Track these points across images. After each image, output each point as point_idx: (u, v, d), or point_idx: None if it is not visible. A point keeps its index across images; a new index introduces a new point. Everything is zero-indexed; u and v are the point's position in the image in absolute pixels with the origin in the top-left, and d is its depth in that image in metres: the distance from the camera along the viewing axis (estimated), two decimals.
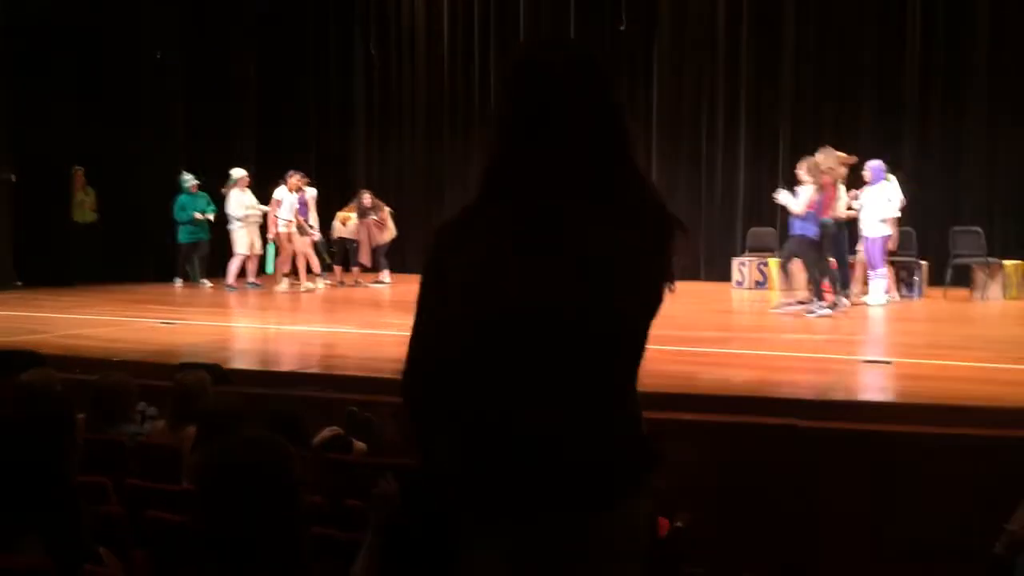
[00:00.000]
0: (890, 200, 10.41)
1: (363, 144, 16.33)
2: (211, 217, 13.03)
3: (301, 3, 15.28)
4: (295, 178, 12.59)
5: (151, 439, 4.62)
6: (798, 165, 10.32)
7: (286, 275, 12.71)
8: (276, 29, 14.91)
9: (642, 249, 1.83)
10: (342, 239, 13.47)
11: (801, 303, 10.07)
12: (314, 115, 15.87)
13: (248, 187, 12.77)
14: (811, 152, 10.76)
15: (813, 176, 9.88)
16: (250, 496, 2.13)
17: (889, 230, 10.48)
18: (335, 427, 4.84)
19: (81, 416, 4.36)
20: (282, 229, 12.52)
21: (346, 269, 13.59)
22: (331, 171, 15.30)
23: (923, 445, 4.79)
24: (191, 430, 4.34)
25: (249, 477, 2.20)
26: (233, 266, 12.63)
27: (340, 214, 13.47)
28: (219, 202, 12.90)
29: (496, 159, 1.85)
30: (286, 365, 7.15)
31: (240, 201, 12.65)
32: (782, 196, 10.22)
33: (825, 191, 9.82)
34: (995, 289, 11.13)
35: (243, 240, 12.67)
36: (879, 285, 10.46)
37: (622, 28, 14.17)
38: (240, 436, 2.35)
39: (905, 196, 10.56)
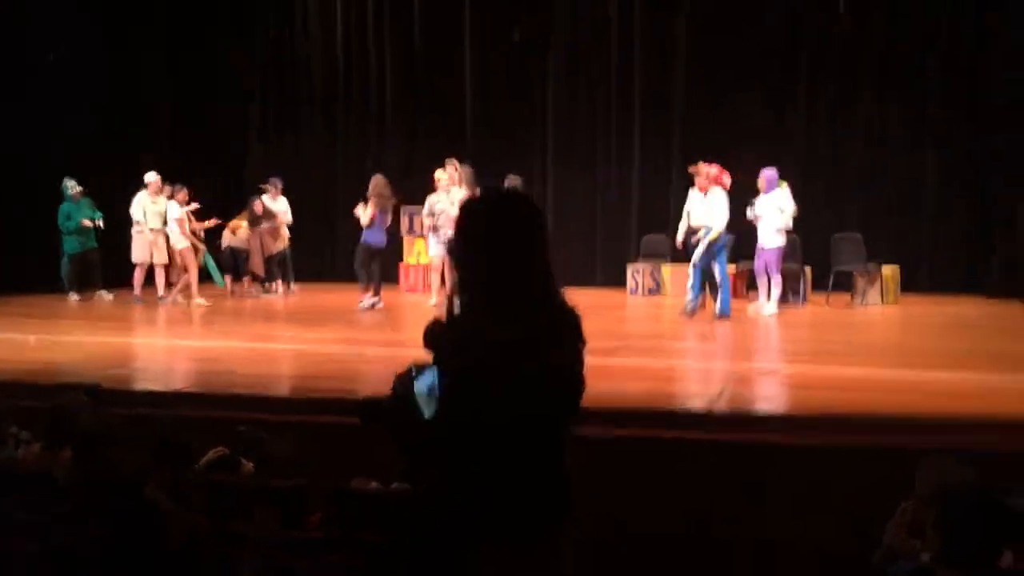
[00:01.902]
0: (783, 210, 10.61)
1: (258, 150, 15.98)
2: (100, 223, 12.54)
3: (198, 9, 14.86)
4: (183, 194, 12.26)
5: (23, 464, 4.41)
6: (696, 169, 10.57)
7: (169, 286, 12.42)
8: (165, 30, 14.45)
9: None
10: (232, 248, 13.15)
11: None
12: (206, 121, 15.44)
13: (159, 194, 12.32)
14: (701, 159, 11.03)
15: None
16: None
17: (783, 240, 10.71)
18: (221, 448, 4.70)
19: None
20: (185, 243, 12.17)
21: (237, 279, 13.26)
22: (223, 178, 14.93)
23: (808, 455, 4.90)
24: (66, 454, 4.16)
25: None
26: (137, 276, 12.27)
27: (231, 223, 13.15)
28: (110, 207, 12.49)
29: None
30: (172, 383, 6.91)
31: (143, 206, 12.23)
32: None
33: None
34: (874, 295, 11.54)
35: (138, 247, 12.28)
36: (769, 294, 10.70)
37: (516, 38, 14.22)
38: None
39: (796, 204, 10.82)
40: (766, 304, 10.64)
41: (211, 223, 12.86)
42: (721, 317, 10.10)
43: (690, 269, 10.41)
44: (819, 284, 11.91)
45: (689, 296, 10.36)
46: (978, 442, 4.86)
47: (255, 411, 5.73)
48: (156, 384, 6.84)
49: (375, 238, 11.59)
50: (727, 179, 10.46)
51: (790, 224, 10.73)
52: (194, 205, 12.55)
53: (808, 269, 11.95)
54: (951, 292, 11.90)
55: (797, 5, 13.08)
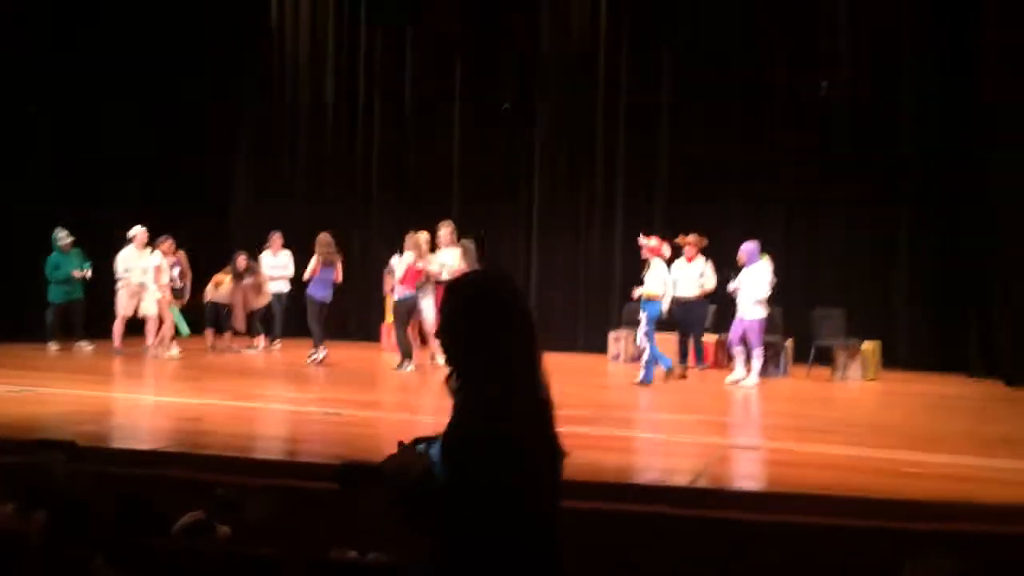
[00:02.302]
0: (762, 280, 10.73)
1: (243, 209, 16.04)
2: (88, 274, 12.52)
3: (181, 56, 14.93)
4: (168, 243, 12.26)
5: None
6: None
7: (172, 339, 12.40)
8: (154, 84, 14.51)
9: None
10: (214, 303, 13.10)
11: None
12: (192, 179, 15.45)
13: (145, 247, 12.35)
14: (685, 230, 11.20)
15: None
16: None
17: (763, 311, 10.78)
18: (196, 512, 4.61)
19: None
20: (160, 295, 12.16)
21: (219, 333, 13.19)
22: (207, 235, 14.92)
23: (792, 535, 4.87)
24: (41, 515, 4.07)
25: None
26: (116, 328, 12.22)
27: (215, 277, 13.12)
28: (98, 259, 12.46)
29: None
30: (149, 442, 6.81)
31: (126, 261, 12.23)
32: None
33: None
34: (855, 369, 11.60)
35: (121, 300, 12.26)
36: (749, 367, 10.74)
37: (505, 106, 14.42)
38: None
39: (775, 277, 10.93)
40: (744, 376, 10.67)
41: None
42: (641, 383, 10.34)
43: (641, 341, 10.53)
44: (800, 357, 11.96)
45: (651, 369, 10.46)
46: (960, 527, 4.85)
47: (232, 473, 5.66)
48: (132, 442, 6.75)
49: (321, 292, 11.92)
50: (666, 250, 10.73)
51: (767, 293, 10.79)
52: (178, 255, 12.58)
53: (789, 342, 12.00)
54: (931, 369, 11.97)
55: (779, 81, 13.32)
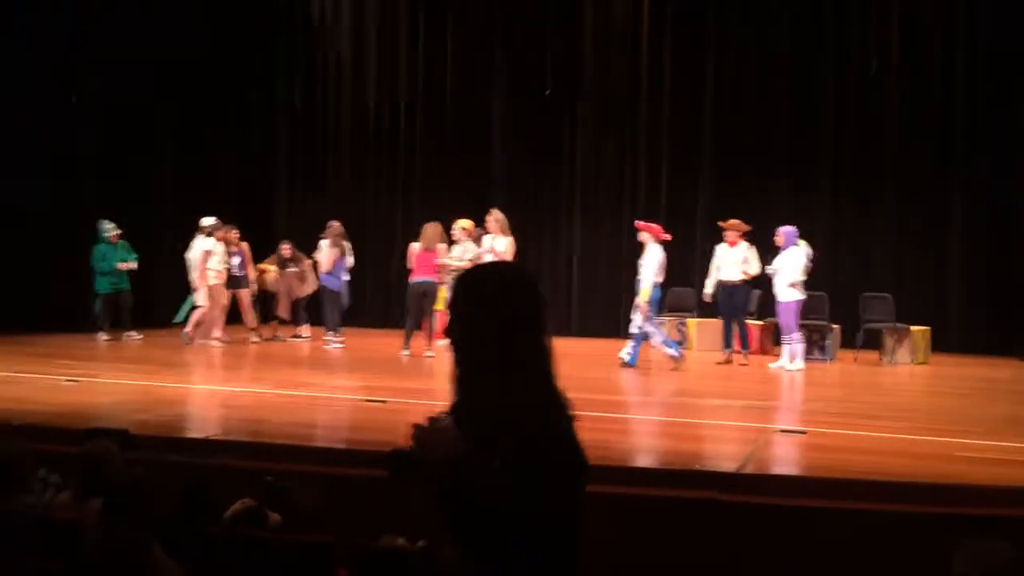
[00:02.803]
0: (799, 263, 10.64)
1: (285, 196, 16.20)
2: (134, 266, 12.72)
3: (224, 54, 15.09)
4: (223, 230, 12.42)
5: (53, 511, 4.41)
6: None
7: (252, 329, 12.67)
8: (197, 79, 14.69)
9: None
10: (261, 292, 13.25)
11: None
12: (235, 166, 15.64)
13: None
14: (730, 215, 11.14)
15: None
16: None
17: (798, 295, 10.67)
18: (248, 499, 4.67)
19: None
20: (215, 281, 12.26)
21: (264, 322, 13.34)
22: (253, 223, 15.07)
23: (839, 521, 4.83)
24: (97, 503, 4.16)
25: None
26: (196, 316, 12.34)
27: (259, 266, 13.25)
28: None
29: None
30: (200, 430, 6.93)
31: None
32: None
33: None
34: (903, 353, 11.45)
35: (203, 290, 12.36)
36: (790, 350, 10.65)
37: (548, 92, 14.38)
38: None
39: (813, 262, 10.80)
40: (787, 361, 10.58)
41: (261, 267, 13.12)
42: (627, 366, 10.41)
43: (637, 328, 10.60)
44: (848, 342, 11.82)
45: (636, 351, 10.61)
46: (1010, 512, 4.78)
47: (282, 461, 5.73)
48: (184, 431, 6.86)
49: (339, 281, 12.28)
50: (664, 236, 10.78)
51: (801, 277, 10.66)
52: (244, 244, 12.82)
53: (837, 327, 11.87)
54: (982, 353, 11.78)
55: (828, 62, 13.15)
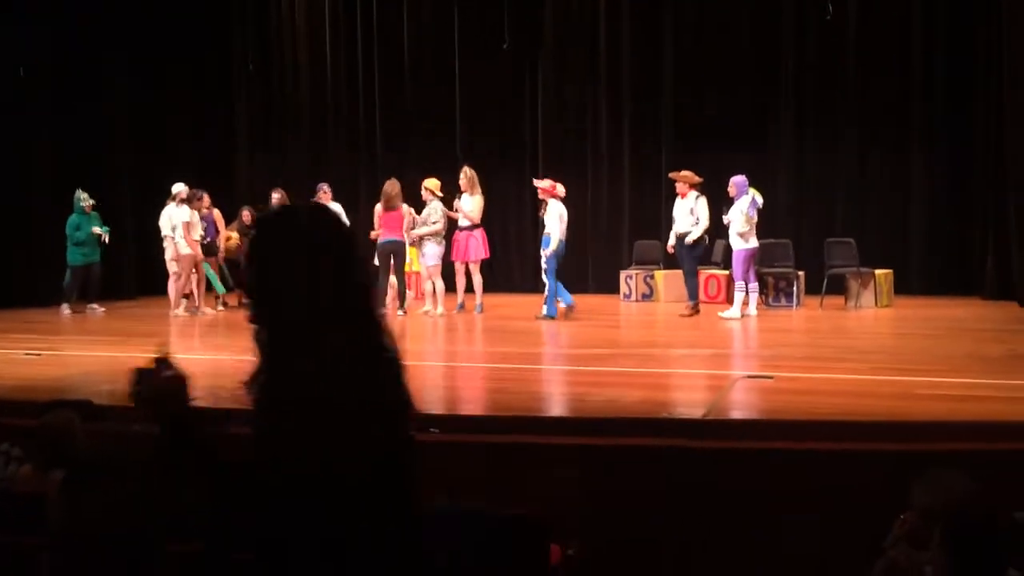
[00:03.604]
0: (743, 212, 10.63)
1: (245, 159, 16.00)
2: (106, 238, 12.59)
3: (176, 22, 14.80)
4: (205, 199, 12.42)
5: (15, 485, 4.36)
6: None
7: (186, 296, 12.31)
8: (151, 46, 14.40)
9: None
10: (226, 259, 13.10)
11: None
12: (193, 133, 15.40)
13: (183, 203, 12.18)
14: (691, 166, 11.13)
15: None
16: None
17: (745, 244, 10.69)
18: None
19: None
20: (186, 251, 12.03)
21: (229, 290, 13.22)
22: (213, 190, 14.89)
23: (803, 461, 4.88)
24: (58, 475, 4.11)
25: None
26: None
27: (223, 233, 13.09)
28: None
29: None
30: None
31: (175, 218, 12.07)
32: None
33: None
34: (868, 297, 11.55)
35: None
36: (737, 299, 10.72)
37: (505, 46, 14.24)
38: None
39: (763, 209, 10.82)
40: (737, 310, 10.64)
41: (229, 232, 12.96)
42: (545, 318, 10.67)
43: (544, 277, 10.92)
44: (813, 288, 11.91)
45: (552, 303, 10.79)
46: (972, 446, 4.85)
47: (243, 425, 5.68)
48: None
49: None
50: (560, 190, 11.00)
51: (745, 227, 10.66)
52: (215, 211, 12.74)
53: (801, 273, 11.94)
54: (945, 295, 11.91)
55: (787, 7, 13.10)
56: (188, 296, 12.33)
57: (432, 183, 11.59)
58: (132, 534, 2.98)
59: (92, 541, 3.05)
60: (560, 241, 10.76)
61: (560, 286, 10.87)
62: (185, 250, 11.98)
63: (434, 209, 11.39)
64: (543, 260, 10.93)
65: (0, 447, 4.72)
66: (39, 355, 8.55)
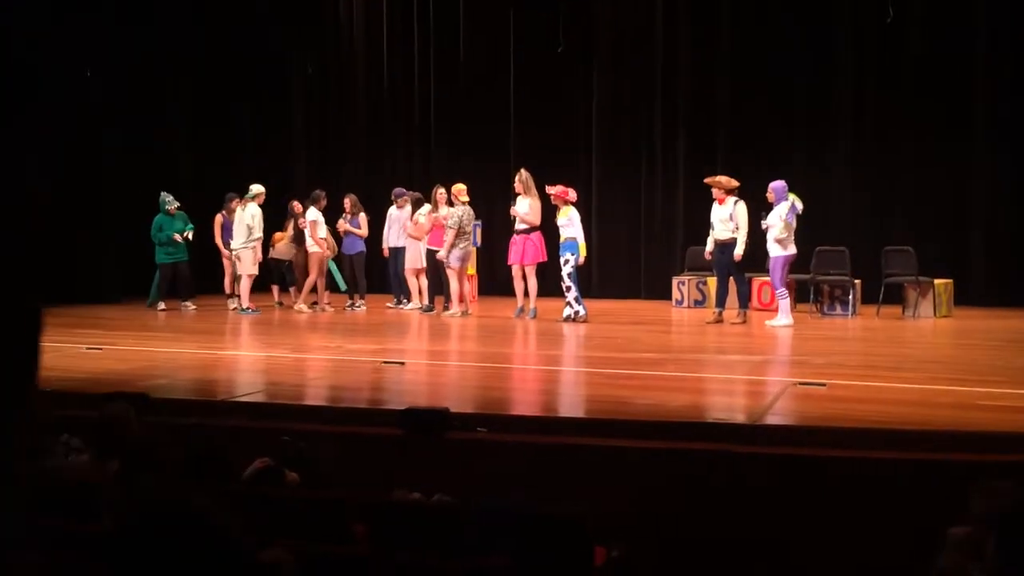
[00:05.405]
0: (782, 218, 10.44)
1: (303, 166, 16.19)
2: (190, 236, 12.90)
3: (235, 29, 15.08)
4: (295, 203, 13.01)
5: (73, 474, 4.45)
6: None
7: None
8: (210, 52, 14.71)
9: None
10: (277, 260, 13.25)
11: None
12: (251, 138, 15.65)
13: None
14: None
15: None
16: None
17: (783, 250, 10.50)
18: (266, 458, 4.70)
19: None
20: (316, 249, 12.62)
21: (283, 290, 13.39)
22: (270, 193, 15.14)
23: (858, 470, 4.80)
24: (114, 465, 4.19)
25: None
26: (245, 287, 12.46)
27: (274, 235, 13.25)
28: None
29: None
30: (217, 393, 6.97)
31: (256, 219, 12.40)
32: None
33: None
34: (926, 307, 11.33)
35: (248, 259, 12.42)
36: (782, 306, 10.55)
37: (560, 50, 14.24)
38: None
39: (801, 216, 10.61)
40: (779, 315, 10.50)
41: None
42: (583, 319, 10.92)
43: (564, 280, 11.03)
44: (869, 297, 11.71)
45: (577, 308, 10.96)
46: None
47: (297, 421, 5.77)
48: (201, 394, 6.91)
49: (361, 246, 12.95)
50: (572, 195, 11.15)
51: (783, 234, 10.45)
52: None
53: (858, 282, 11.76)
54: (1007, 306, 11.64)
55: (846, 10, 12.93)
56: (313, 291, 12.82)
57: (457, 188, 11.81)
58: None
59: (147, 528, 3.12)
60: (580, 245, 11.00)
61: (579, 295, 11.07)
62: (313, 248, 12.44)
63: (451, 213, 11.69)
64: (568, 266, 10.94)
65: (61, 438, 4.83)
66: (100, 349, 8.74)
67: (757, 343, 9.48)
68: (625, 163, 14.24)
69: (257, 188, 12.44)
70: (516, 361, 8.88)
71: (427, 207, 12.42)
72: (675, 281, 13.11)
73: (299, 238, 12.92)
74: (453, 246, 11.57)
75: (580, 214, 11.43)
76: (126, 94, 13.85)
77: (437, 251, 11.88)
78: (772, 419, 5.69)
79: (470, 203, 11.85)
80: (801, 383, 6.74)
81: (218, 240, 13.07)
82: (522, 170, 11.66)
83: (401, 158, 15.57)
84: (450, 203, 11.92)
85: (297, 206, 13.02)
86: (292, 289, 13.30)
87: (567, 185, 11.36)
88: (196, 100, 14.96)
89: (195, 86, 14.95)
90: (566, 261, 10.98)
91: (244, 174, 13.30)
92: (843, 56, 12.99)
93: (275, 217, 13.29)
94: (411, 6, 15.45)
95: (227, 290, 13.05)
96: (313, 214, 12.57)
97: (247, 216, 12.32)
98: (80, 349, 8.74)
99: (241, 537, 2.58)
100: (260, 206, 12.44)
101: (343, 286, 13.19)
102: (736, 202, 10.90)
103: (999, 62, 12.17)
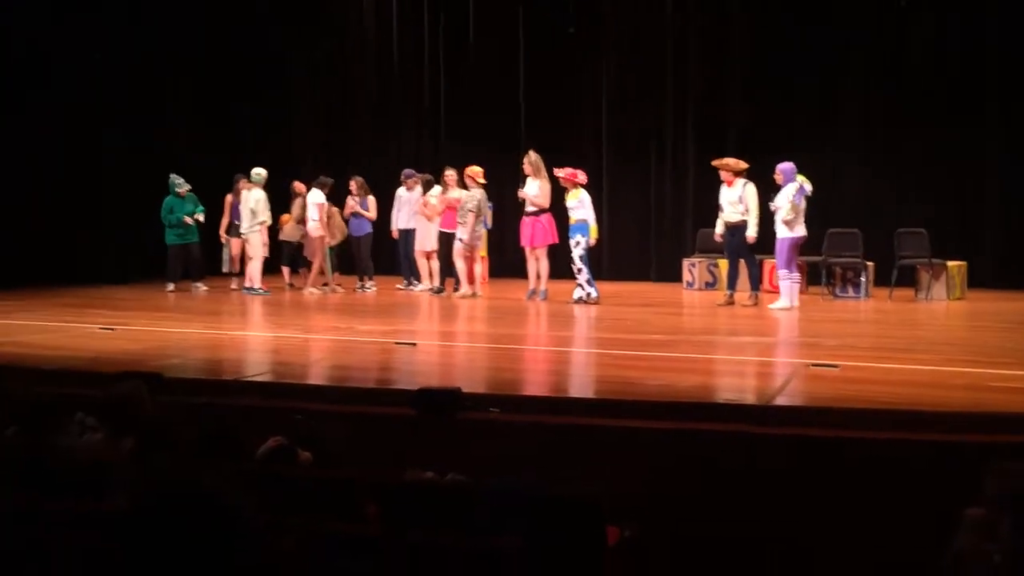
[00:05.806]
0: (790, 200, 10.32)
1: (310, 144, 16.16)
2: (201, 218, 12.91)
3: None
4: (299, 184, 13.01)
5: (86, 452, 4.47)
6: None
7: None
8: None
9: None
10: (286, 242, 13.25)
11: None
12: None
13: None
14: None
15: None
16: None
17: (790, 232, 10.38)
18: (279, 437, 4.71)
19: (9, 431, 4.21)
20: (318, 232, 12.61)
21: (294, 271, 13.40)
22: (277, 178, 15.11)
23: (871, 451, 4.79)
24: (128, 443, 4.21)
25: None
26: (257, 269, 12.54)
27: (282, 217, 13.25)
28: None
29: None
30: (229, 373, 6.99)
31: (260, 203, 12.48)
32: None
33: None
34: (939, 289, 11.28)
35: (257, 242, 12.52)
36: (783, 288, 10.46)
37: (571, 31, 14.16)
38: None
39: (811, 198, 10.49)
40: (780, 298, 10.43)
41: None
42: (594, 301, 10.94)
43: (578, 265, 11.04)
44: (882, 279, 11.66)
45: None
46: None
47: (310, 401, 5.78)
48: (213, 374, 6.93)
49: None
50: (582, 177, 11.14)
51: (790, 216, 10.32)
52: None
53: (871, 264, 11.71)
54: (1020, 288, 11.58)
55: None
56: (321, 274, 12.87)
57: (473, 170, 11.79)
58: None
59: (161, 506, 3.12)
60: (592, 227, 11.02)
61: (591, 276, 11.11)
62: (316, 232, 12.42)
63: (471, 196, 11.70)
64: (579, 248, 10.95)
65: (76, 416, 4.85)
66: (113, 329, 8.77)
67: (768, 325, 9.46)
68: (635, 146, 14.19)
69: (260, 172, 12.45)
70: (527, 342, 8.88)
71: (438, 188, 12.41)
72: (685, 263, 13.08)
73: (304, 218, 12.94)
74: (474, 228, 11.66)
75: (592, 194, 11.41)
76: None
77: (448, 233, 11.87)
78: (784, 400, 5.68)
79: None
80: (814, 364, 6.72)
81: (223, 224, 13.16)
82: (531, 151, 11.59)
83: (408, 140, 15.51)
84: (461, 185, 11.92)
85: (300, 186, 13.03)
86: (302, 270, 13.31)
87: (576, 167, 11.32)
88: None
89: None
90: (576, 243, 10.98)
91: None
92: (857, 38, 12.89)
93: (280, 201, 13.31)
94: None
95: (224, 268, 13.18)
96: (317, 196, 12.49)
97: (251, 200, 12.40)
98: (93, 329, 8.79)
99: (253, 516, 2.61)
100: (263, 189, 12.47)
101: (331, 272, 13.10)
102: (745, 184, 10.84)
103: (1013, 43, 12.05)
